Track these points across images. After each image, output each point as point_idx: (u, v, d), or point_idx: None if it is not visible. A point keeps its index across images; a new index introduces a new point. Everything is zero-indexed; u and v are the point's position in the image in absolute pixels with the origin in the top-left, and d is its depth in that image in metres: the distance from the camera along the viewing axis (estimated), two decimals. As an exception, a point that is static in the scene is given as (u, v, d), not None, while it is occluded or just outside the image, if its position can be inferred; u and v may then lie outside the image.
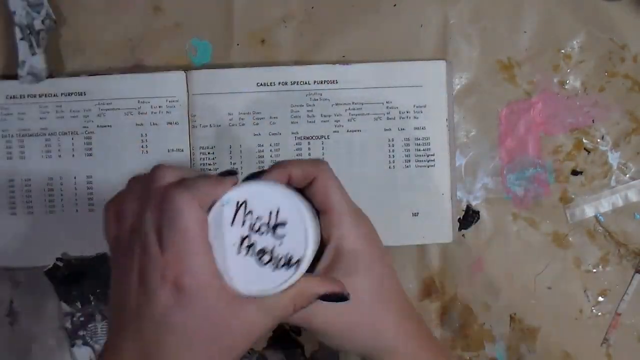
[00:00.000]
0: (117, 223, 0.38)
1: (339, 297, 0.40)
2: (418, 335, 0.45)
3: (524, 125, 0.60)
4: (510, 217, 0.60)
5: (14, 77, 0.58)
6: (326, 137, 0.59)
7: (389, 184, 0.59)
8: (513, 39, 0.59)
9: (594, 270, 0.60)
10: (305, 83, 0.58)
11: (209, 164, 0.58)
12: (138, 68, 0.59)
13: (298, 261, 0.37)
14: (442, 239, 0.59)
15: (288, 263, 0.37)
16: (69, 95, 0.58)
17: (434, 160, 0.59)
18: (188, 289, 0.35)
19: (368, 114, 0.59)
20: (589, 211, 0.60)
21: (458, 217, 0.59)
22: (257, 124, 0.58)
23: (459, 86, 0.60)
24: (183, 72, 0.58)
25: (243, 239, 0.38)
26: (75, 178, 0.58)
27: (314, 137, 0.58)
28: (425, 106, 0.59)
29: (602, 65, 0.59)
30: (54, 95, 0.58)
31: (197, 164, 0.58)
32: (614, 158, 0.60)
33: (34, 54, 0.57)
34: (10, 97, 0.58)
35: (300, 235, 0.38)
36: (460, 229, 0.60)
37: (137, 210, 0.37)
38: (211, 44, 0.59)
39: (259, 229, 0.38)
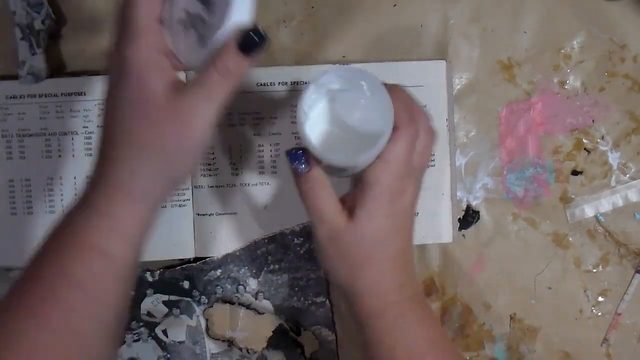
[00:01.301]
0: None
1: (257, 37, 0.40)
2: (399, 292, 0.45)
3: (524, 125, 0.60)
4: (510, 217, 0.60)
5: (14, 77, 0.58)
6: (326, 137, 0.58)
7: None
8: (513, 39, 0.59)
9: (594, 270, 0.60)
10: (306, 83, 0.58)
11: (209, 164, 0.58)
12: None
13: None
14: (442, 239, 0.59)
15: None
16: (69, 95, 0.58)
17: (434, 160, 0.59)
18: (131, 64, 0.40)
19: (368, 114, 0.58)
20: (589, 211, 0.60)
21: (458, 217, 0.60)
22: (257, 124, 0.58)
23: (459, 86, 0.60)
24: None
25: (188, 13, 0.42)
26: (75, 178, 0.58)
27: (314, 137, 0.58)
28: (425, 106, 0.58)
29: (602, 65, 0.59)
30: (54, 95, 0.58)
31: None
32: (614, 158, 0.60)
33: (34, 54, 0.57)
34: (10, 97, 0.58)
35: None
36: (460, 229, 0.60)
37: None
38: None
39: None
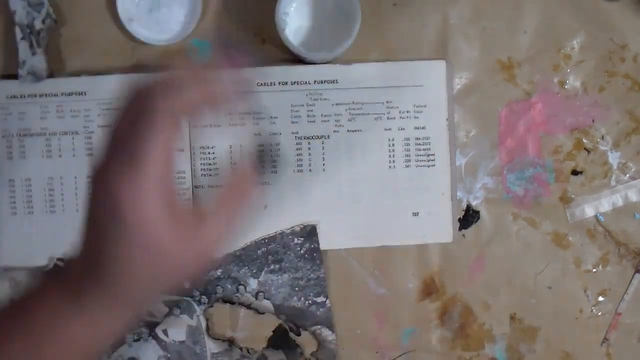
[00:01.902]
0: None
1: None
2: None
3: (524, 125, 0.60)
4: (510, 217, 0.60)
5: (14, 77, 0.58)
6: (326, 137, 0.59)
7: (389, 184, 0.59)
8: (513, 39, 0.59)
9: (594, 270, 0.60)
10: (305, 83, 0.58)
11: (209, 164, 0.58)
12: (138, 68, 0.59)
13: None
14: (442, 238, 0.59)
15: None
16: (69, 95, 0.58)
17: (434, 160, 0.59)
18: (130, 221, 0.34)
19: (368, 113, 0.59)
20: (589, 211, 0.60)
21: (458, 217, 0.60)
22: (257, 124, 0.58)
23: (459, 86, 0.60)
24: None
25: None
26: (75, 178, 0.58)
27: (314, 137, 0.59)
28: (425, 106, 0.59)
29: (602, 65, 0.59)
30: (54, 95, 0.58)
31: (197, 164, 0.58)
32: (614, 158, 0.60)
33: (34, 53, 0.57)
34: (10, 97, 0.58)
35: None
36: (460, 229, 0.60)
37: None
38: (211, 44, 0.59)
39: None
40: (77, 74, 0.59)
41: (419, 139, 0.59)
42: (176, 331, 0.59)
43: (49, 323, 0.36)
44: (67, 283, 0.37)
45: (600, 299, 0.60)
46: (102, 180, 0.35)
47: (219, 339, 0.59)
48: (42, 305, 0.37)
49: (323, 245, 0.59)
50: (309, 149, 0.58)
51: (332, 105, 0.58)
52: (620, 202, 0.59)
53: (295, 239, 0.59)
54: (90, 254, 0.36)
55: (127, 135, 0.36)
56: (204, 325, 0.59)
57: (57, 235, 0.58)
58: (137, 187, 0.34)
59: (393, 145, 0.59)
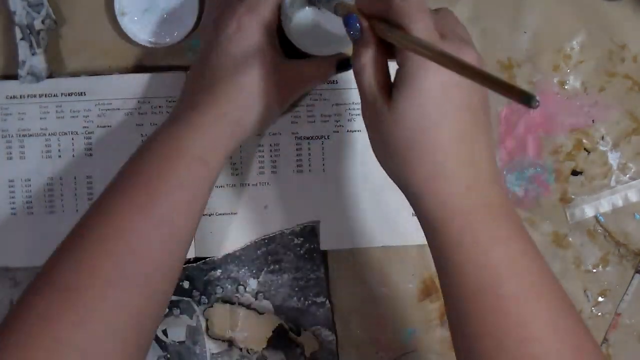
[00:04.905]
0: None
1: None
2: (465, 197, 0.37)
3: (524, 125, 0.60)
4: (510, 217, 0.60)
5: (14, 77, 0.58)
6: (326, 137, 0.59)
7: (389, 183, 0.58)
8: (513, 39, 0.59)
9: (594, 270, 0.60)
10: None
11: (209, 164, 0.58)
12: (138, 68, 0.59)
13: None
14: (442, 239, 0.59)
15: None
16: (69, 95, 0.58)
17: (434, 160, 0.58)
18: (245, 25, 0.47)
19: (368, 114, 0.58)
20: (589, 211, 0.60)
21: (458, 217, 0.59)
22: (257, 124, 0.58)
23: (459, 86, 0.59)
24: (183, 72, 0.58)
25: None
26: (75, 178, 0.58)
27: (314, 137, 0.58)
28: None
29: (602, 65, 0.59)
30: (54, 95, 0.58)
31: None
32: (614, 158, 0.60)
33: (34, 54, 0.57)
34: (10, 97, 0.58)
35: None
36: (460, 229, 0.60)
37: None
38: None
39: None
40: (76, 74, 0.59)
41: (419, 139, 0.59)
42: (176, 331, 0.59)
43: (173, 139, 0.45)
44: (186, 102, 0.48)
45: (600, 299, 0.60)
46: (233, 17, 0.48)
47: (218, 339, 0.59)
48: (165, 130, 0.46)
49: (323, 245, 0.59)
50: (309, 149, 0.58)
51: (332, 105, 0.58)
52: (620, 203, 0.59)
53: (295, 239, 0.59)
54: (207, 71, 0.48)
55: None
56: (203, 325, 0.59)
57: (57, 235, 0.58)
58: (261, 19, 0.48)
59: (393, 145, 0.58)
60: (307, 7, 0.53)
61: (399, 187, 0.41)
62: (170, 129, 0.46)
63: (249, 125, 0.48)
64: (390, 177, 0.41)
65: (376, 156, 0.42)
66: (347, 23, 0.39)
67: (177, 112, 0.48)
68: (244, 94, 0.47)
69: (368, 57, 0.38)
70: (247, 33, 0.47)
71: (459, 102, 0.37)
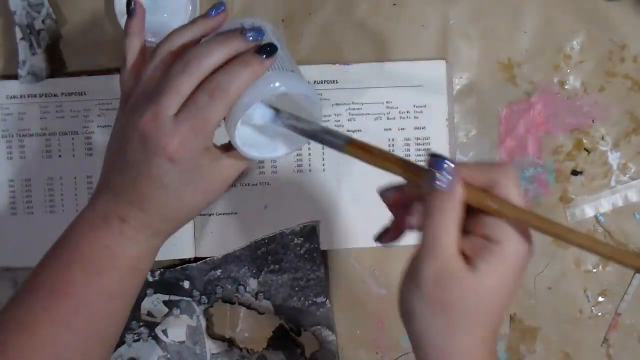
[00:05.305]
0: (136, 77, 0.42)
1: None
2: None
3: (524, 125, 0.60)
4: (510, 217, 0.60)
5: (14, 77, 0.58)
6: (326, 137, 0.58)
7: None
8: (513, 39, 0.59)
9: (594, 270, 0.60)
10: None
11: (209, 164, 0.58)
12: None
13: None
14: (442, 239, 0.59)
15: None
16: (69, 95, 0.58)
17: (434, 160, 0.58)
18: (181, 160, 0.40)
19: (368, 114, 0.59)
20: (589, 211, 0.60)
21: (458, 217, 0.59)
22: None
23: (459, 86, 0.60)
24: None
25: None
26: (75, 178, 0.58)
27: (314, 137, 0.58)
28: (425, 106, 0.59)
29: (602, 65, 0.59)
30: (54, 95, 0.58)
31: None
32: (614, 158, 0.60)
33: (34, 53, 0.57)
34: (10, 97, 0.58)
35: None
36: (460, 229, 0.60)
37: (159, 75, 0.41)
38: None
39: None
40: (76, 74, 0.59)
41: (419, 139, 0.59)
42: (176, 331, 0.59)
43: (105, 248, 0.42)
44: (113, 209, 0.42)
45: (600, 299, 0.60)
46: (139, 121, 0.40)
47: (218, 339, 0.59)
48: (94, 235, 0.43)
49: (323, 245, 0.59)
50: (309, 149, 0.58)
51: (332, 105, 0.58)
52: (620, 203, 0.59)
53: (295, 239, 0.59)
54: (132, 186, 0.42)
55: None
56: (203, 325, 0.59)
57: (57, 235, 0.58)
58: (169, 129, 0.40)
59: (393, 145, 0.59)
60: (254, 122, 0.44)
61: (422, 339, 0.38)
62: (99, 235, 0.42)
63: (179, 227, 0.45)
64: (411, 327, 0.38)
65: (412, 308, 0.38)
66: (435, 165, 0.36)
67: (103, 209, 0.43)
68: (180, 213, 0.43)
69: (453, 215, 0.36)
70: (188, 164, 0.41)
71: (511, 294, 0.37)
